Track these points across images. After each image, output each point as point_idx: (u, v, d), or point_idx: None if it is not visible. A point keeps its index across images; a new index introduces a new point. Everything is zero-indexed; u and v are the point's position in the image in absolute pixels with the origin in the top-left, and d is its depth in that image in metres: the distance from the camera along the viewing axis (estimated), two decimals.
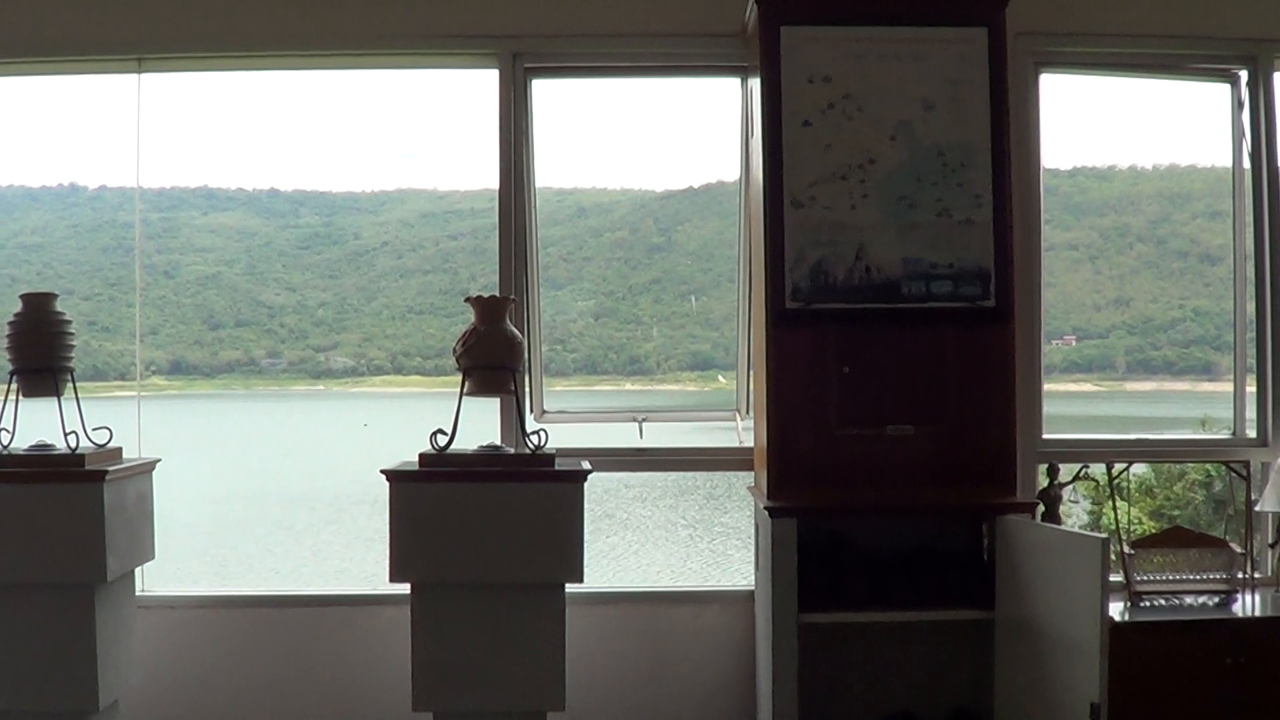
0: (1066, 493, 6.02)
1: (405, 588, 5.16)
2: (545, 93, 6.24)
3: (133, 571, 5.61)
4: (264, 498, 12.40)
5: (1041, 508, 5.70)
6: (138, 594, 5.80)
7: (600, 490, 9.96)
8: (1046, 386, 6.16)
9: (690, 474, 7.22)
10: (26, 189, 10.09)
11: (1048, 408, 6.12)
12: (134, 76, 6.24)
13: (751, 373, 6.08)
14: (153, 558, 5.74)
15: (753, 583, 5.97)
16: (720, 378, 6.91)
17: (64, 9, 6.10)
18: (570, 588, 5.19)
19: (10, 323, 5.34)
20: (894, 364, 5.33)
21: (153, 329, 9.71)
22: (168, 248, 10.07)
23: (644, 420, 6.27)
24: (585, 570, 5.13)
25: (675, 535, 11.30)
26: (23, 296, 5.37)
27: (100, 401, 6.31)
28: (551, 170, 6.40)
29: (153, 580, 6.22)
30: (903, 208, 5.30)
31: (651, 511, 11.57)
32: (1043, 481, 5.94)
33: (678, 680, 6.05)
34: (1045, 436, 6.06)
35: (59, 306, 5.41)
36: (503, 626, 5.11)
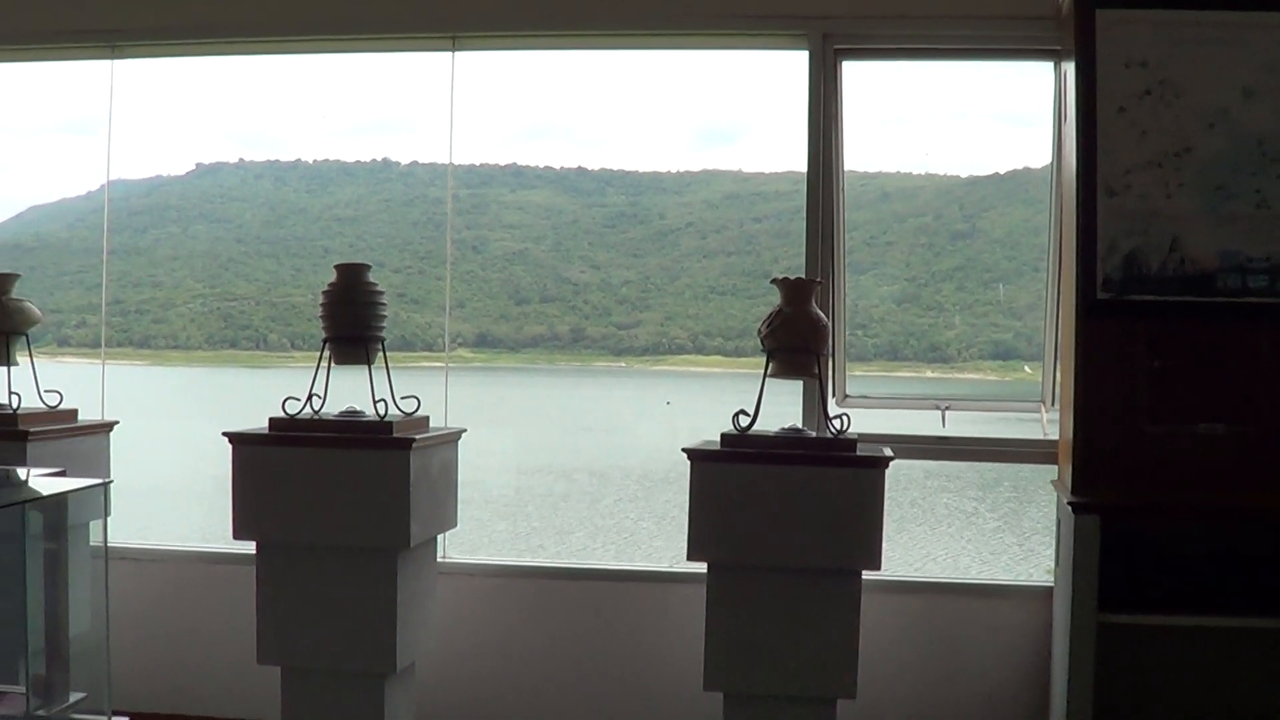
0: None
1: (702, 566, 5.20)
2: (852, 75, 6.20)
3: (435, 538, 5.78)
4: (571, 471, 12.58)
5: None
6: (439, 560, 5.97)
7: (904, 478, 9.87)
8: None
9: (997, 465, 7.08)
10: (342, 164, 10.43)
11: None
12: (448, 54, 6.42)
13: (1058, 364, 5.96)
14: (455, 525, 5.89)
15: (1052, 579, 5.86)
16: (1026, 368, 6.78)
17: None
18: (866, 575, 5.16)
19: (325, 292, 5.54)
20: (1206, 360, 5.15)
21: (460, 302, 9.93)
22: (477, 223, 10.27)
23: (947, 409, 6.20)
24: (884, 558, 5.09)
25: (981, 527, 11.14)
26: (337, 267, 5.57)
27: (408, 371, 6.49)
28: (856, 153, 6.35)
29: (455, 547, 6.38)
30: (1219, 198, 5.11)
31: (957, 502, 11.42)
32: None
33: (970, 674, 5.98)
34: None
35: (371, 278, 5.58)
36: (797, 610, 5.11)
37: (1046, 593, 5.89)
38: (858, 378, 6.47)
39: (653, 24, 6.25)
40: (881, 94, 6.63)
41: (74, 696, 4.12)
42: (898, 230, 8.12)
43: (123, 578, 5.95)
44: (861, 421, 5.62)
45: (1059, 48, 5.81)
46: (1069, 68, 5.48)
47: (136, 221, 10.27)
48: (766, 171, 10.04)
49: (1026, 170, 6.82)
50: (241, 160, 10.73)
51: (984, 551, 10.85)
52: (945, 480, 11.03)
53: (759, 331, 5.34)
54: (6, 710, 3.84)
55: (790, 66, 6.22)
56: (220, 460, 5.42)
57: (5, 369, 5.74)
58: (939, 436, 6.13)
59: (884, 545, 5.07)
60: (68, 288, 9.62)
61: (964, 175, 8.09)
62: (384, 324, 5.59)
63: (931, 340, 8.08)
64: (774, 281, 5.36)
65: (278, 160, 10.70)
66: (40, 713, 3.97)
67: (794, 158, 6.22)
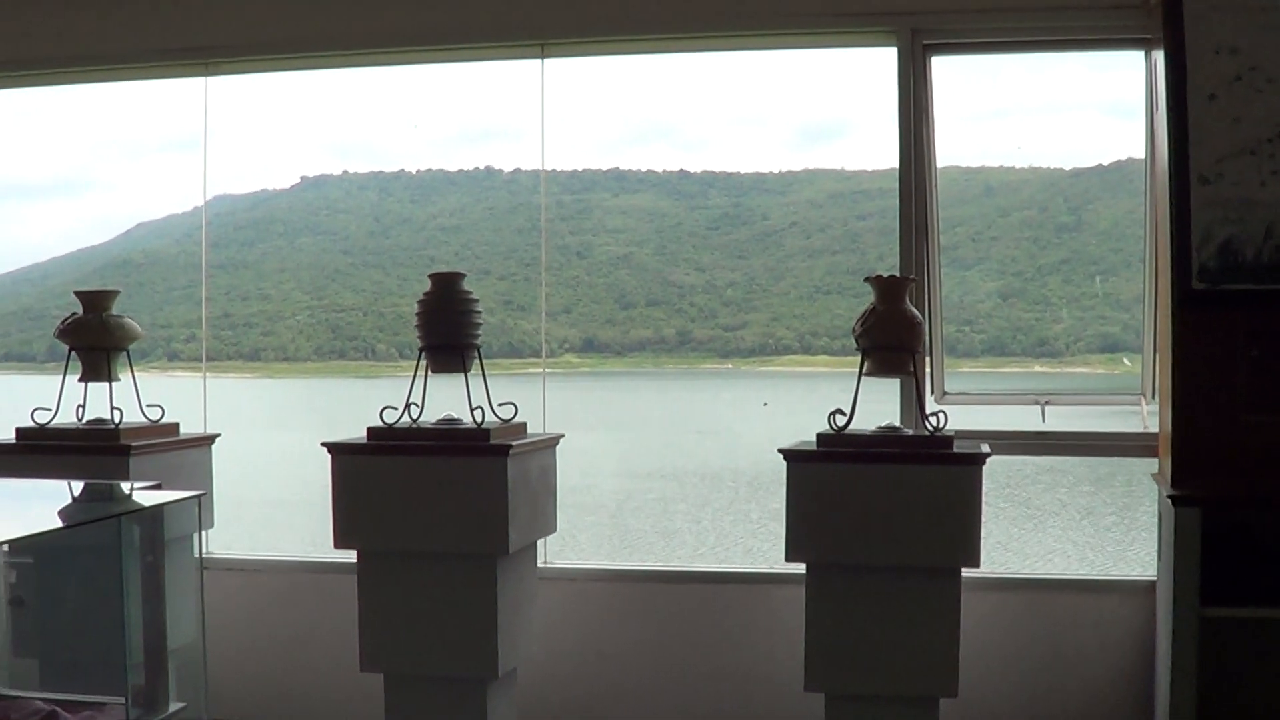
0: None
1: (801, 567, 5.20)
2: (945, 69, 6.17)
3: (535, 543, 5.82)
4: (681, 474, 12.57)
5: None
6: (539, 566, 6.02)
7: (1016, 474, 9.79)
8: None
9: (1109, 461, 7.01)
10: (445, 173, 10.55)
11: None
12: (538, 62, 6.46)
13: (1157, 356, 5.89)
14: (554, 530, 5.92)
15: (1154, 573, 5.78)
16: (1125, 360, 6.71)
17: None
18: (966, 572, 5.13)
19: (420, 301, 5.61)
20: None
21: (566, 308, 10.00)
22: (580, 229, 10.32)
23: (1046, 403, 6.14)
24: (1001, 555, 5.05)
25: (1097, 523, 11.01)
26: (432, 276, 5.63)
27: (514, 378, 6.52)
28: (957, 149, 6.33)
29: (571, 551, 6.40)
30: None
31: (1071, 498, 11.31)
32: None
33: (1072, 670, 5.92)
34: None
35: (470, 286, 5.65)
36: (897, 609, 5.10)
37: (1149, 587, 5.81)
38: (963, 374, 6.43)
39: (737, 24, 6.25)
40: (978, 88, 6.60)
41: (174, 707, 4.19)
42: (1001, 225, 8.08)
43: (229, 588, 6.08)
44: (963, 418, 5.59)
45: (1149, 36, 5.75)
46: (1159, 56, 5.42)
47: (243, 235, 10.45)
48: (869, 169, 10.02)
49: (1130, 161, 6.75)
50: (345, 172, 10.89)
51: (1099, 546, 10.73)
52: (1058, 475, 10.92)
53: (853, 330, 5.34)
54: None
55: (889, 62, 6.20)
56: (327, 470, 5.50)
57: (107, 384, 5.85)
58: (1038, 432, 6.07)
59: (1000, 542, 5.05)
60: (177, 302, 9.78)
61: (1067, 168, 8.04)
62: (480, 331, 5.64)
63: (1039, 335, 8.02)
64: (868, 280, 5.35)
65: (381, 171, 10.83)
66: None
67: (896, 154, 6.20)
